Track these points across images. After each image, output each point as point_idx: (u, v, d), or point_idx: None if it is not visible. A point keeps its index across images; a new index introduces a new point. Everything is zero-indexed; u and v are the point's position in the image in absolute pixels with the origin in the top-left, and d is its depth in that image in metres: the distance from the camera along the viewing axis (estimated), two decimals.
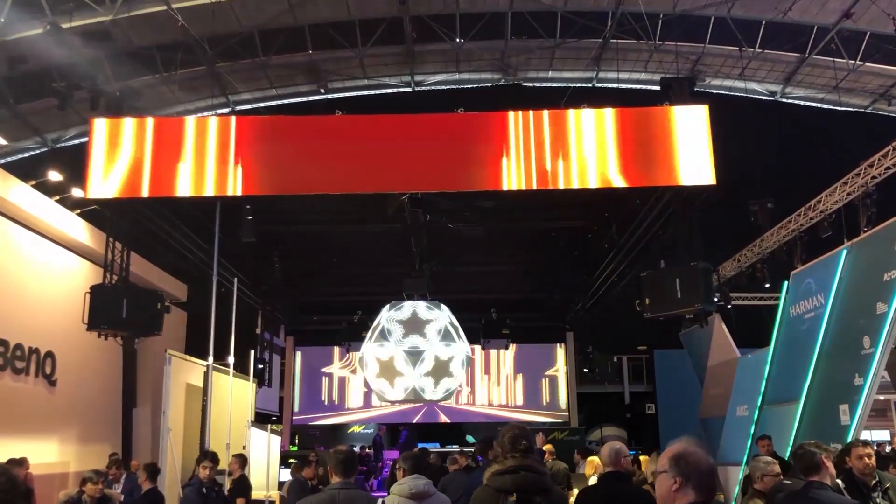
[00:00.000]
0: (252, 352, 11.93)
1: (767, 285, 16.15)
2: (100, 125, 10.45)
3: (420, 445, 18.62)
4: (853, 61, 20.38)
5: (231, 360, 10.99)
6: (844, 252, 12.39)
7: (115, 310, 10.04)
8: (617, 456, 4.55)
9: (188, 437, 12.42)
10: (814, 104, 22.41)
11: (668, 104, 10.43)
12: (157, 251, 16.30)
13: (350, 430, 25.01)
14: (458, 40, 19.08)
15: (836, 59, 20.18)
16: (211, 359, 10.63)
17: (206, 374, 12.13)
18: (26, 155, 18.85)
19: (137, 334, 10.66)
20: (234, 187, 10.14)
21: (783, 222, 16.00)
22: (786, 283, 14.43)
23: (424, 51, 19.20)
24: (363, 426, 24.36)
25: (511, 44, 19.44)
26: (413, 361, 13.83)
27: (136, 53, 17.21)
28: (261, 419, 23.03)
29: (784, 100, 22.43)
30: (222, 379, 11.93)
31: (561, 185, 10.20)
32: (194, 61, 17.32)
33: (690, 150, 10.10)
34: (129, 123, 10.52)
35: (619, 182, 10.16)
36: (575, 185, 10.07)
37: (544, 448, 10.96)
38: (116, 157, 10.28)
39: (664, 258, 10.96)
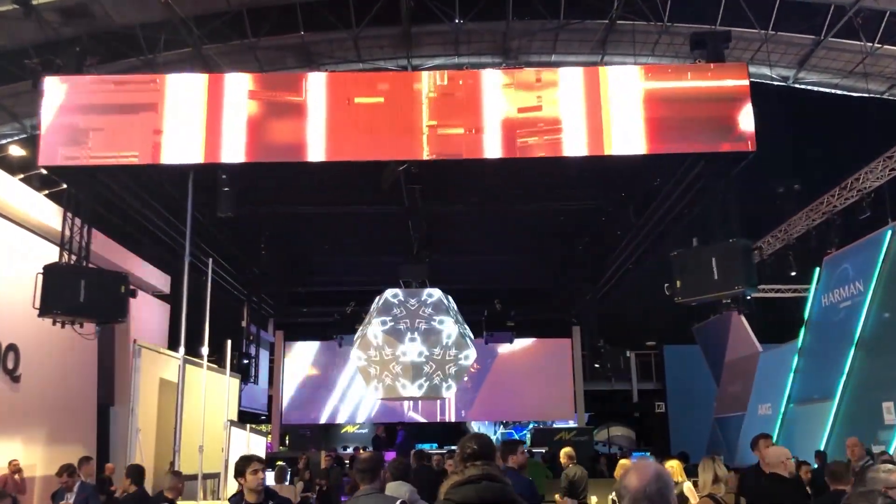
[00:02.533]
0: (228, 341, 10.67)
1: (794, 273, 15.02)
2: (53, 85, 9.21)
3: (418, 446, 17.60)
4: (871, 43, 19.33)
5: (205, 351, 9.78)
6: (889, 233, 11.35)
7: (72, 293, 8.79)
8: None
9: (163, 437, 11.28)
10: (828, 90, 21.34)
11: (700, 62, 9.26)
12: (138, 240, 15.21)
13: (343, 430, 23.88)
14: (457, 21, 17.99)
15: (854, 42, 19.16)
16: (182, 349, 9.42)
17: (180, 368, 11.00)
18: (5, 141, 17.68)
19: (98, 321, 9.41)
20: (204, 154, 8.88)
21: (814, 203, 14.84)
22: (817, 269, 13.40)
23: (422, 32, 18.14)
24: (357, 426, 23.23)
25: (513, 25, 18.37)
26: (411, 354, 12.63)
27: (117, 33, 16.04)
28: (249, 419, 21.94)
29: (797, 85, 21.34)
30: (198, 373, 10.78)
31: (582, 153, 8.96)
32: (180, 42, 16.18)
33: (729, 111, 8.93)
34: (86, 82, 9.27)
35: (649, 149, 8.96)
36: (602, 152, 8.85)
37: (562, 451, 9.80)
38: (73, 120, 9.03)
39: (692, 237, 9.74)
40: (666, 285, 9.31)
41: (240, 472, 5.06)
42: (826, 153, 17.97)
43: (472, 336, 14.10)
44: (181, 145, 9.06)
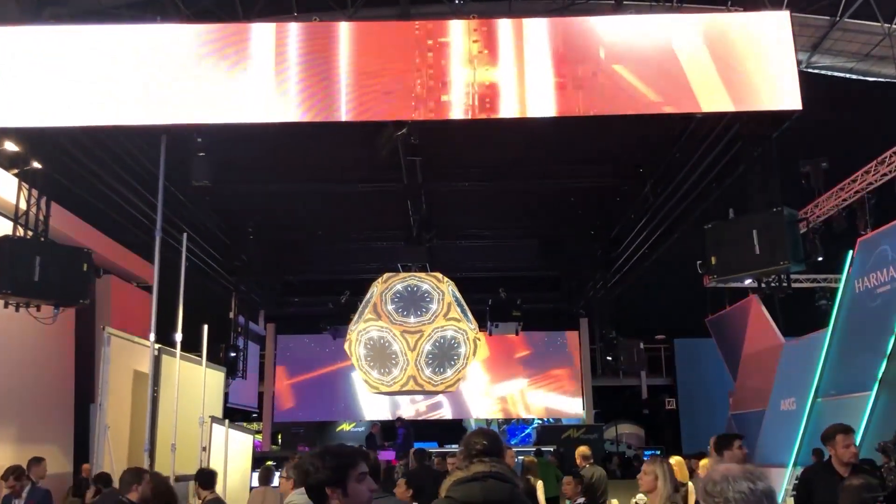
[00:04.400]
0: (205, 327, 9.66)
1: (820, 258, 14.02)
2: (3, 36, 8.11)
3: (417, 445, 16.63)
4: (890, 24, 18.37)
5: (178, 338, 8.77)
6: None
7: (25, 271, 7.73)
8: None
9: (137, 435, 10.26)
10: (842, 74, 20.34)
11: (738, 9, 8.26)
12: (122, 227, 14.31)
13: (339, 429, 22.90)
14: (457, 1, 17.06)
15: (872, 23, 18.21)
16: (153, 336, 8.41)
17: (157, 359, 9.97)
18: None
19: (56, 303, 8.38)
20: (166, 115, 7.80)
21: (845, 182, 13.84)
22: (850, 252, 12.42)
23: (420, 13, 17.11)
24: (353, 423, 22.24)
25: (516, 4, 17.35)
26: (410, 344, 11.62)
27: (102, 12, 15.09)
28: (240, 416, 20.94)
29: (810, 70, 20.33)
30: (175, 365, 9.78)
31: (595, 112, 7.93)
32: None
33: (772, 65, 7.92)
34: (45, 34, 8.21)
35: (679, 107, 7.94)
36: (620, 111, 7.81)
37: (578, 451, 8.86)
38: (26, 75, 7.96)
39: (709, 220, 8.69)
40: (699, 262, 8.29)
41: (335, 479, 2.57)
42: (856, 130, 17.00)
43: (476, 326, 13.15)
44: (157, 104, 7.99)
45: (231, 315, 15.83)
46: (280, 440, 20.61)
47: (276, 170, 12.24)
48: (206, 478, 6.43)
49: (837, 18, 17.94)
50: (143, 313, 16.46)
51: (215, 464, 9.47)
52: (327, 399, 20.00)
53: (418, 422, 19.58)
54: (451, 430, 21.89)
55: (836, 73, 20.07)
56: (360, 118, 8.22)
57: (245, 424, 21.26)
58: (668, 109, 7.97)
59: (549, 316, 19.12)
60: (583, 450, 9.15)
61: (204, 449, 9.71)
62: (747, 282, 16.31)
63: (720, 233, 8.09)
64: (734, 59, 7.97)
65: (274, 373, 19.68)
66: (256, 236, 14.60)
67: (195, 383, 9.94)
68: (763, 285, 8.38)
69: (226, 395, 15.46)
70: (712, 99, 7.90)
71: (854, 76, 20.03)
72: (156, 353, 10.05)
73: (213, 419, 9.65)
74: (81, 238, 13.73)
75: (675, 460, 8.07)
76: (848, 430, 5.04)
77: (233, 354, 15.23)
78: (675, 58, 7.93)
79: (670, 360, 23.24)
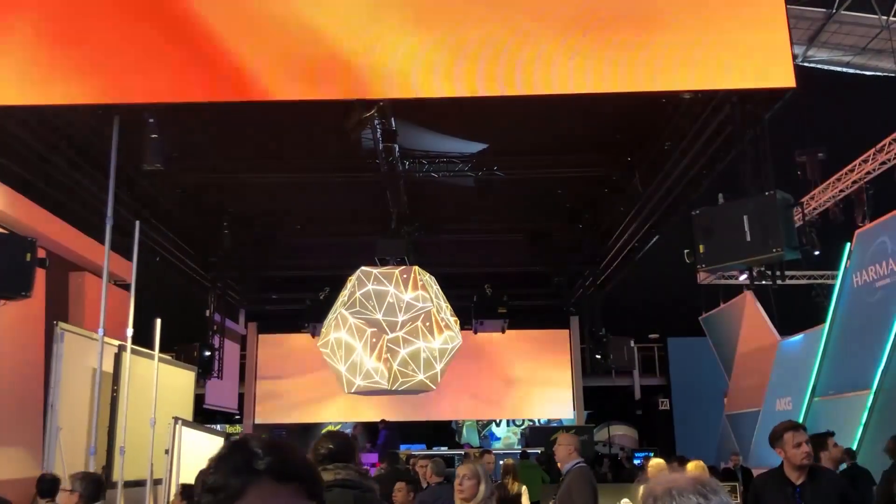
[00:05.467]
0: (157, 321, 9.14)
1: (817, 252, 13.48)
2: None
3: (404, 447, 16.10)
4: (886, 17, 17.91)
5: (129, 332, 8.24)
6: None
7: None
8: None
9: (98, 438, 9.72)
10: (838, 68, 19.83)
11: None
12: (95, 223, 13.81)
13: (324, 431, 22.35)
14: None
15: (868, 15, 17.74)
16: (102, 330, 7.87)
17: (117, 357, 9.48)
18: None
19: None
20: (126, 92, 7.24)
21: (842, 172, 13.34)
22: (847, 245, 11.95)
23: None
24: (339, 425, 21.69)
25: None
26: (387, 343, 11.10)
27: None
28: (223, 418, 20.37)
29: (806, 64, 19.81)
30: (145, 365, 9.30)
31: (562, 90, 7.35)
32: None
33: (760, 39, 7.39)
34: None
35: (663, 85, 7.39)
36: (601, 88, 7.25)
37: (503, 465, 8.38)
38: None
39: (715, 201, 8.13)
40: (686, 251, 7.74)
41: None
42: (851, 124, 16.55)
43: (459, 323, 12.63)
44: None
45: (207, 312, 15.26)
46: None
47: (249, 159, 11.70)
48: (46, 485, 5.90)
49: (833, 11, 17.45)
50: (119, 312, 15.99)
51: (182, 467, 8.95)
52: (311, 400, 19.44)
53: (404, 423, 19.01)
54: (439, 431, 21.36)
55: (832, 68, 19.57)
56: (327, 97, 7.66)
57: (227, 427, 20.70)
58: (652, 87, 7.43)
59: (537, 313, 18.53)
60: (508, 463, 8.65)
61: (166, 452, 9.18)
62: (742, 277, 15.83)
63: (709, 219, 7.53)
64: (723, 33, 7.43)
65: (255, 373, 19.11)
66: (231, 230, 14.05)
67: (168, 385, 9.46)
68: (755, 276, 7.87)
69: (200, 395, 14.92)
70: (699, 76, 7.36)
71: (851, 70, 19.52)
72: (116, 350, 9.59)
73: (177, 420, 9.11)
74: (62, 237, 13.23)
75: (655, 462, 7.59)
76: (798, 428, 4.39)
77: (207, 353, 14.65)
78: (654, 30, 7.37)
79: (664, 359, 22.75)
